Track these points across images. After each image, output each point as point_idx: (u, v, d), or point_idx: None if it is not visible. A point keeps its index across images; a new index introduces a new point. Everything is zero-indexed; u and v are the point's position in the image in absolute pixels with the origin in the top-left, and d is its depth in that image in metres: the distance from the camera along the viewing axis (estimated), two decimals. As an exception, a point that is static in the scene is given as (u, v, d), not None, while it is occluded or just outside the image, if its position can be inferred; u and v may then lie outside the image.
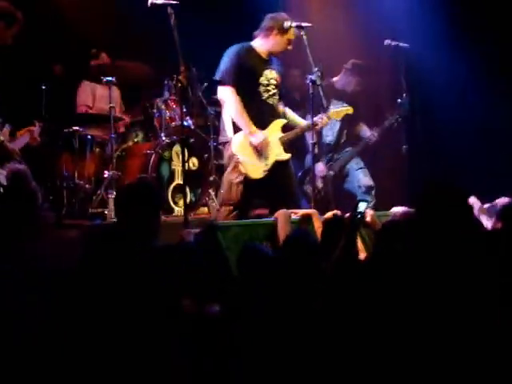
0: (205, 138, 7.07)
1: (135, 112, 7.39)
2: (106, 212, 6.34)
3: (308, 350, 3.11)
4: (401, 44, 6.23)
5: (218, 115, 6.98)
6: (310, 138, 5.70)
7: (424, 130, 6.83)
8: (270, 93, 5.76)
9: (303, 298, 3.29)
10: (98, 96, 7.24)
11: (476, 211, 4.37)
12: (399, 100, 6.33)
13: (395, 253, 3.42)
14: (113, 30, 7.33)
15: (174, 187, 6.75)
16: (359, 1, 7.59)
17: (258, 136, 5.59)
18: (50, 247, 4.03)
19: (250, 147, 5.64)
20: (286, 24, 5.64)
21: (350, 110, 6.19)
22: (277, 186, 5.69)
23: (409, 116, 6.38)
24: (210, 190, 6.87)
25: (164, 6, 5.32)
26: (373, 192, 6.85)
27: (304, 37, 5.58)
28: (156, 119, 7.07)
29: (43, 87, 6.38)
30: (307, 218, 4.88)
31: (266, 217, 5.23)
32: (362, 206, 4.00)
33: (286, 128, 5.82)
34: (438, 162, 7.30)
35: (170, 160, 6.80)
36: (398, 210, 4.61)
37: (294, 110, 6.08)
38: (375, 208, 5.67)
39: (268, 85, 5.74)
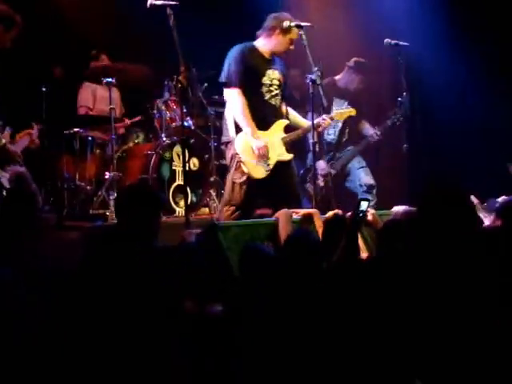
0: (205, 139, 7.07)
1: (135, 113, 7.39)
2: (107, 213, 6.33)
3: (309, 350, 3.11)
4: (401, 43, 6.22)
5: (218, 115, 7.00)
6: (310, 138, 5.70)
7: (424, 129, 6.82)
8: (273, 93, 5.75)
9: (304, 297, 3.28)
10: (98, 97, 7.24)
11: (474, 209, 4.36)
12: (399, 99, 6.32)
13: (397, 252, 3.42)
14: (113, 31, 7.33)
15: (175, 188, 6.75)
16: (359, 0, 7.59)
17: (259, 142, 5.57)
18: (50, 248, 4.03)
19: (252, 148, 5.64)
20: (286, 24, 5.63)
21: (352, 111, 6.19)
22: (279, 186, 5.69)
23: (409, 115, 6.37)
24: (211, 191, 6.88)
25: (163, 6, 5.32)
26: (374, 191, 6.85)
27: (303, 36, 5.57)
28: (156, 120, 7.07)
29: (43, 89, 6.38)
30: (308, 218, 4.87)
31: (269, 217, 5.22)
32: (363, 205, 4.01)
33: (288, 128, 5.81)
34: (437, 161, 7.30)
35: (171, 161, 6.80)
36: (399, 209, 4.60)
37: (294, 110, 6.07)
38: (376, 207, 5.66)
39: (271, 85, 5.73)
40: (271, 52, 5.78)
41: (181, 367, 3.16)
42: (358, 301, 3.15)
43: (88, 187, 6.71)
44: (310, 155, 6.20)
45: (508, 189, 4.69)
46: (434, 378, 2.85)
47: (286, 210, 4.90)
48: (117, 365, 3.06)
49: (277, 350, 3.15)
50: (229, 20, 7.57)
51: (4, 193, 5.14)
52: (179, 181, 6.75)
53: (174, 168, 6.80)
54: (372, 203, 6.02)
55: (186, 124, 6.42)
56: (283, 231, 4.61)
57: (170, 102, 7.06)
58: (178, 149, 6.73)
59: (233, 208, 5.61)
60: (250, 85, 5.64)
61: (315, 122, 5.67)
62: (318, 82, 5.47)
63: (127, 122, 7.22)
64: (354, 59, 6.94)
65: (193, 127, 6.99)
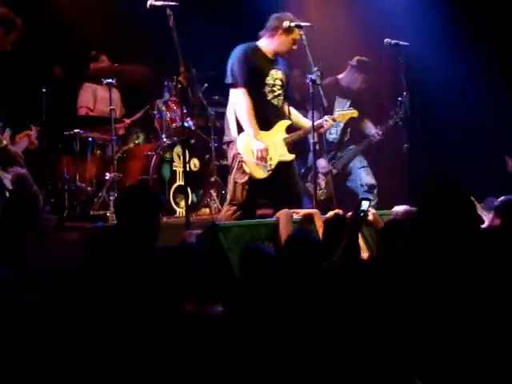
0: (206, 139, 7.07)
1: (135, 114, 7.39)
2: (107, 214, 6.33)
3: (310, 350, 3.11)
4: (401, 42, 6.21)
5: (219, 116, 7.01)
6: (311, 138, 5.70)
7: (424, 128, 6.82)
8: (276, 93, 5.74)
9: (305, 297, 3.28)
10: (99, 98, 7.24)
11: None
12: (399, 99, 6.32)
13: (397, 252, 3.41)
14: (113, 32, 7.33)
15: (176, 188, 6.75)
16: (359, -1, 7.60)
17: (260, 144, 5.56)
18: (51, 250, 4.04)
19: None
20: (285, 24, 5.63)
21: (355, 113, 6.18)
22: (280, 187, 5.68)
23: (409, 115, 6.36)
24: (212, 191, 6.88)
25: (163, 7, 5.31)
26: (375, 191, 6.85)
27: (303, 36, 5.56)
28: (156, 120, 7.07)
29: (43, 90, 6.38)
30: (309, 218, 4.87)
31: (270, 217, 5.22)
32: (364, 205, 4.00)
33: (290, 129, 5.80)
34: (438, 160, 7.29)
35: (171, 161, 6.80)
36: (399, 208, 4.60)
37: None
38: (377, 207, 5.65)
39: (274, 85, 5.72)
40: (274, 52, 5.77)
41: (181, 367, 3.15)
42: (359, 301, 3.15)
43: (88, 188, 6.72)
44: (311, 155, 6.20)
45: (508, 188, 4.68)
46: (434, 377, 2.84)
47: (287, 210, 4.90)
48: (117, 365, 3.06)
49: (277, 350, 3.15)
50: (229, 20, 7.57)
51: (7, 194, 5.15)
52: (180, 181, 6.76)
53: (174, 169, 6.80)
54: (373, 203, 6.02)
55: (186, 124, 6.41)
56: (284, 231, 4.61)
57: (170, 102, 7.06)
58: (178, 149, 6.73)
59: (234, 208, 5.61)
60: (254, 85, 5.64)
61: (317, 122, 5.67)
62: (318, 82, 5.46)
63: (127, 121, 7.22)
64: (357, 58, 6.92)
65: (193, 128, 6.99)
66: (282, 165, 5.69)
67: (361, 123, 6.99)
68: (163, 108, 7.00)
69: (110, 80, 6.64)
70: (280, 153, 5.70)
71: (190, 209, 6.16)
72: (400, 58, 6.16)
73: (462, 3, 7.25)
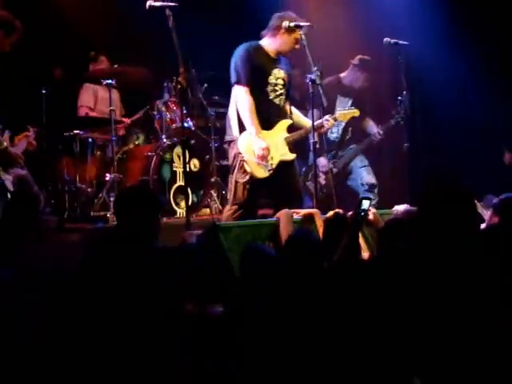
0: (206, 139, 7.07)
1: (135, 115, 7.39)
2: (108, 215, 6.32)
3: (310, 350, 3.10)
4: (400, 42, 6.20)
5: (219, 116, 7.01)
6: (311, 137, 5.69)
7: (424, 128, 6.82)
8: (277, 93, 5.73)
9: (305, 297, 3.28)
10: (99, 98, 7.24)
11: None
12: (399, 98, 6.31)
13: (398, 251, 3.41)
14: (112, 32, 7.32)
15: (176, 189, 6.75)
16: (358, -2, 7.59)
17: (262, 143, 5.56)
18: (51, 250, 4.03)
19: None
20: (285, 24, 5.63)
21: (356, 112, 6.17)
22: (281, 186, 5.68)
23: (409, 114, 6.36)
24: (212, 191, 6.88)
25: (162, 8, 5.31)
26: (375, 190, 6.85)
27: (303, 36, 5.56)
28: (156, 121, 7.07)
29: (43, 91, 6.38)
30: (309, 218, 4.86)
31: (270, 217, 5.21)
32: (365, 204, 4.00)
33: (291, 128, 5.80)
34: (438, 159, 7.29)
35: (172, 162, 6.80)
36: (399, 208, 4.60)
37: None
38: (377, 206, 5.65)
39: (276, 84, 5.72)
40: (277, 51, 5.76)
41: (180, 367, 3.15)
42: (359, 300, 3.14)
43: (89, 189, 6.72)
44: (312, 154, 6.20)
45: (508, 188, 4.67)
46: (433, 376, 2.84)
47: (287, 210, 4.89)
48: (117, 365, 3.06)
49: (277, 350, 3.15)
50: (229, 20, 7.57)
51: (8, 195, 5.16)
52: (180, 182, 6.75)
53: (174, 169, 6.80)
54: (373, 202, 6.02)
55: (186, 125, 6.42)
56: (284, 231, 4.61)
57: (169, 103, 7.05)
58: (178, 150, 6.72)
59: (235, 207, 5.60)
60: (256, 84, 5.63)
61: (317, 122, 5.67)
62: (318, 81, 5.46)
63: (127, 120, 7.22)
64: (359, 57, 6.92)
65: (193, 128, 6.99)
66: (283, 164, 5.68)
67: (362, 122, 6.99)
68: (163, 108, 7.00)
69: (109, 81, 6.64)
70: (281, 152, 5.70)
71: (191, 209, 6.16)
72: (400, 57, 6.15)
73: (462, 3, 7.25)
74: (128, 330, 3.11)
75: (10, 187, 5.24)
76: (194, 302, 3.44)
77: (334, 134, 6.93)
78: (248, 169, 5.57)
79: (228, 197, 5.82)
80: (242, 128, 5.62)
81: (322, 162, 6.62)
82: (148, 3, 5.33)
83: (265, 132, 5.64)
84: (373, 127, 6.99)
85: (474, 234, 3.07)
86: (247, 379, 3.16)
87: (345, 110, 6.23)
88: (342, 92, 6.93)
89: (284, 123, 5.77)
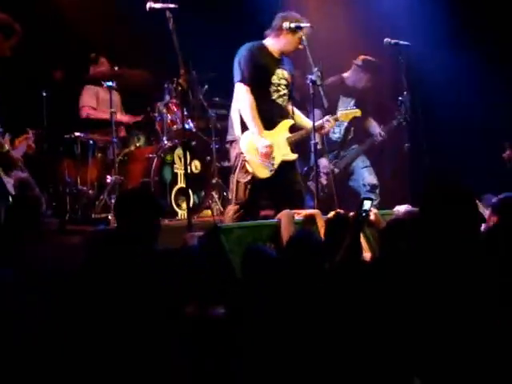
0: (206, 141, 7.07)
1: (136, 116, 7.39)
2: (109, 217, 6.32)
3: (311, 351, 3.10)
4: (401, 42, 6.20)
5: (219, 117, 7.00)
6: (312, 138, 5.69)
7: (424, 128, 6.81)
8: (280, 93, 5.73)
9: (307, 298, 3.28)
10: (100, 99, 7.25)
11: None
12: (400, 98, 6.31)
13: (400, 252, 3.41)
14: (112, 34, 7.32)
15: (177, 191, 6.75)
16: (358, -2, 7.59)
17: (265, 141, 5.55)
18: (51, 251, 4.04)
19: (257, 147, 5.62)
20: (285, 25, 5.62)
21: (358, 112, 6.17)
22: (283, 186, 5.67)
23: (410, 115, 6.35)
24: (213, 193, 6.88)
25: (162, 10, 5.31)
26: (377, 191, 6.84)
27: (303, 37, 5.56)
28: (157, 123, 7.06)
29: (44, 94, 6.38)
30: (310, 219, 4.86)
31: (272, 218, 5.21)
32: (366, 204, 3.99)
33: (293, 128, 5.80)
34: (438, 159, 7.28)
35: (173, 163, 6.80)
36: (401, 208, 4.60)
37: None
38: (378, 207, 5.65)
39: (279, 85, 5.71)
40: (280, 51, 5.76)
41: (181, 368, 3.15)
42: (361, 301, 3.14)
43: (90, 191, 6.72)
44: (313, 155, 6.19)
45: (508, 188, 4.67)
46: (433, 376, 2.84)
47: (288, 211, 4.89)
48: (117, 366, 3.06)
49: (278, 350, 3.14)
50: (229, 20, 7.56)
51: (10, 198, 5.16)
52: (181, 183, 6.75)
53: (175, 171, 6.79)
54: (375, 203, 6.00)
55: (187, 126, 6.42)
56: (285, 232, 4.61)
57: (170, 104, 7.05)
58: (179, 151, 6.72)
59: (236, 207, 5.60)
60: (259, 83, 5.62)
61: (318, 123, 5.66)
62: (319, 82, 5.46)
63: (127, 120, 7.22)
64: (362, 57, 6.91)
65: (194, 129, 6.99)
66: (284, 164, 5.67)
67: (365, 122, 6.98)
68: (164, 110, 7.00)
69: (110, 83, 6.65)
70: (283, 152, 5.69)
71: (192, 211, 6.15)
72: (400, 57, 6.14)
73: (462, 3, 7.25)
74: (128, 330, 3.12)
75: (12, 190, 5.24)
76: (195, 304, 3.44)
77: (336, 134, 6.93)
78: (250, 169, 5.56)
79: (230, 197, 5.82)
80: (244, 128, 5.61)
81: (323, 162, 6.61)
82: (148, 5, 5.33)
83: (267, 132, 5.64)
84: (375, 127, 6.99)
85: (474, 233, 3.07)
86: (247, 379, 3.16)
87: (347, 110, 6.23)
88: (345, 92, 6.92)
89: (286, 123, 5.76)
